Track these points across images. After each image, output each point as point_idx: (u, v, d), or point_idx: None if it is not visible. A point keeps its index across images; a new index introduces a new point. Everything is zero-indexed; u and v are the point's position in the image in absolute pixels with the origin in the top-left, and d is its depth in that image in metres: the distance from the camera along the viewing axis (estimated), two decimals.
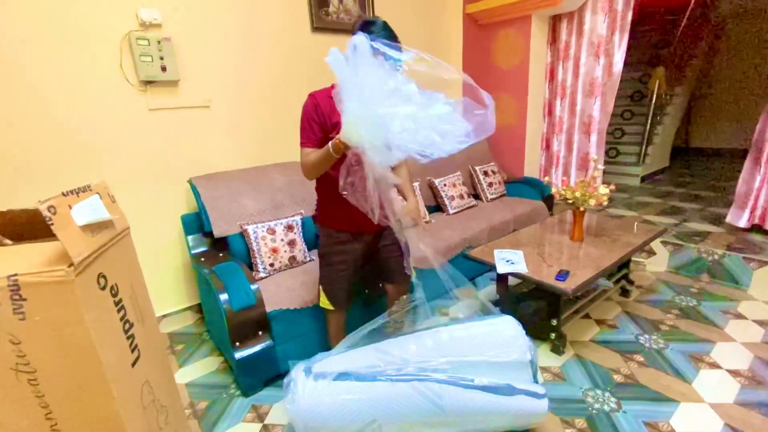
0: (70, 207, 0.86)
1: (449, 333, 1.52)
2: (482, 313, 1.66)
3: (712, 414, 1.55)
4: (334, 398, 1.34)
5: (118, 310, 0.97)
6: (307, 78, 2.68)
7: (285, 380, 1.45)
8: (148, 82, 2.07)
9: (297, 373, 1.43)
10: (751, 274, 2.45)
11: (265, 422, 1.63)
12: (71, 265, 0.82)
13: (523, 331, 1.49)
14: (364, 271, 1.76)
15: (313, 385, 1.37)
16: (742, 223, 2.74)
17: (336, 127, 1.35)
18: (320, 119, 1.41)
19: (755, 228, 2.76)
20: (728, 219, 2.84)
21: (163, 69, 2.05)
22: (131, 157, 2.12)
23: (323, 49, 2.91)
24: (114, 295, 0.97)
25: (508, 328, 1.50)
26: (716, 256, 2.58)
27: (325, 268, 1.64)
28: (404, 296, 1.72)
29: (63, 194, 0.86)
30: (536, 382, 1.45)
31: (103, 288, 0.92)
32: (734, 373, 1.76)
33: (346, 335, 1.64)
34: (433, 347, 1.45)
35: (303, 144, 1.43)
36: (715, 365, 1.82)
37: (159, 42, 2.02)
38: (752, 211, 2.71)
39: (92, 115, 1.98)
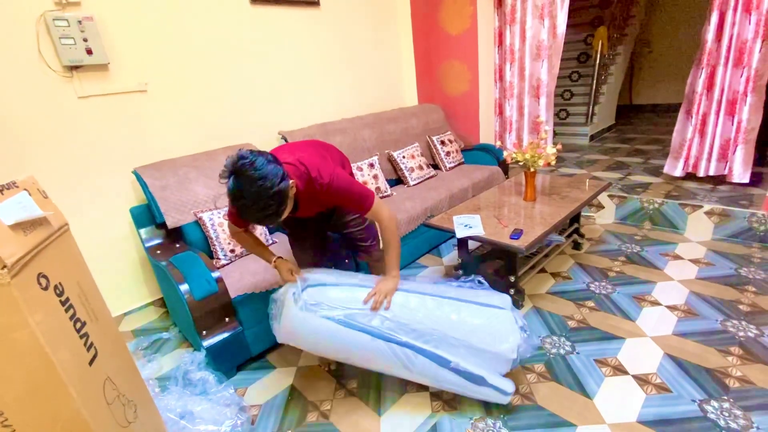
0: None
1: (447, 308, 1.46)
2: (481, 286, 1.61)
3: (653, 346, 1.72)
4: (315, 334, 1.43)
5: (66, 310, 0.94)
6: (248, 53, 2.57)
7: (273, 294, 1.51)
8: (74, 68, 1.91)
9: (287, 292, 1.46)
10: (686, 218, 2.67)
11: (242, 405, 1.64)
12: (4, 266, 0.77)
13: (519, 329, 1.41)
14: (325, 245, 1.85)
15: (301, 315, 1.41)
16: (678, 172, 2.96)
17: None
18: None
19: (689, 176, 2.99)
20: (665, 170, 3.05)
21: (89, 52, 1.89)
22: (65, 151, 1.97)
23: (264, 22, 2.81)
24: (59, 295, 0.92)
25: (506, 324, 1.42)
26: (656, 205, 2.78)
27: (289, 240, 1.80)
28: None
29: None
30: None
31: (45, 288, 0.88)
32: (672, 308, 1.95)
33: None
34: (425, 315, 1.44)
35: (372, 194, 1.48)
36: (655, 303, 2.00)
37: (80, 22, 1.85)
38: (686, 161, 2.92)
39: (13, 106, 1.81)
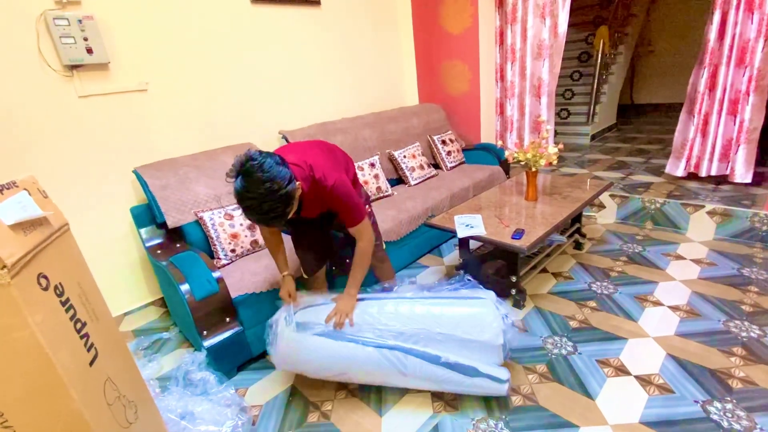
0: None
1: (428, 306, 1.51)
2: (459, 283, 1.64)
3: (655, 346, 1.71)
4: (309, 352, 1.48)
5: (66, 310, 0.93)
6: (249, 52, 2.56)
7: (269, 320, 1.55)
8: (74, 67, 1.90)
9: (280, 317, 1.52)
10: (688, 218, 2.66)
11: (243, 405, 1.64)
12: (4, 267, 0.77)
13: (501, 316, 1.46)
14: (328, 244, 1.84)
15: (294, 336, 1.47)
16: (680, 172, 2.95)
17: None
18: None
19: (691, 176, 2.98)
20: (667, 169, 3.04)
21: (89, 51, 1.88)
22: (66, 150, 1.97)
23: (265, 21, 2.81)
24: (59, 295, 0.92)
25: (486, 311, 1.47)
26: (658, 205, 2.77)
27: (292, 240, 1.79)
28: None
29: None
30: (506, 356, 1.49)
31: (46, 288, 0.88)
32: (674, 308, 1.94)
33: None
34: (409, 316, 1.48)
35: (365, 212, 1.52)
36: (658, 303, 1.99)
37: (80, 21, 1.84)
38: (688, 161, 2.91)
39: (13, 106, 1.81)
